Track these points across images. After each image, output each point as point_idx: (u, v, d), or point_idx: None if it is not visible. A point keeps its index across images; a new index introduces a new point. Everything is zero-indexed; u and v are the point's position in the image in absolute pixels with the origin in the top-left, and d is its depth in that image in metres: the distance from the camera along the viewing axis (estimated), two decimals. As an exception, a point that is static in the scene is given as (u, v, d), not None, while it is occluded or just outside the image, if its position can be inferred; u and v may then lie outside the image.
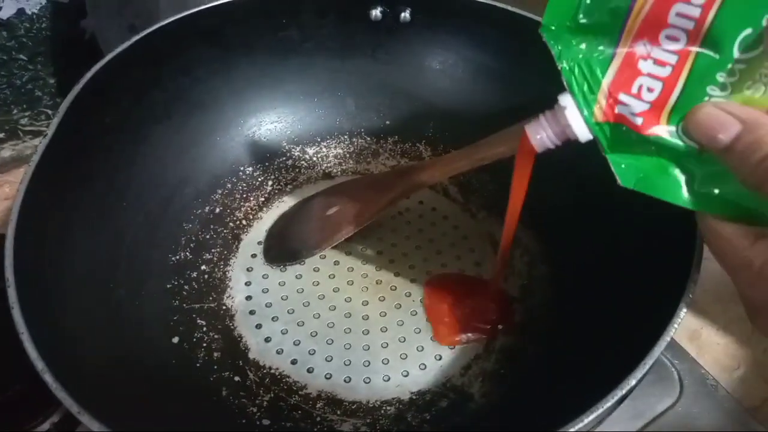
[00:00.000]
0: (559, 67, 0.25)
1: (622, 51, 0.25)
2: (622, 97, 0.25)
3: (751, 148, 0.22)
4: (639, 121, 0.24)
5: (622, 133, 0.25)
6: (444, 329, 0.40)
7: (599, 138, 0.25)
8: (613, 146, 0.25)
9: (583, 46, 0.25)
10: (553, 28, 0.25)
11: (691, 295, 0.28)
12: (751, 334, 0.43)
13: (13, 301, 0.28)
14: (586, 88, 0.25)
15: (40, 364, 0.26)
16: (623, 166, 0.25)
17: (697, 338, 0.42)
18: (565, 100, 0.26)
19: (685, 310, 0.27)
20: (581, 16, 0.25)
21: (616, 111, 0.25)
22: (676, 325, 0.27)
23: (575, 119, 0.26)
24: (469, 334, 0.40)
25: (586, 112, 0.25)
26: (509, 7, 0.43)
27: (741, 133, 0.22)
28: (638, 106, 0.24)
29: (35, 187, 0.32)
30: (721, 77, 0.23)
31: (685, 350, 0.41)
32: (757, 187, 0.22)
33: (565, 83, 0.25)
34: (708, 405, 0.38)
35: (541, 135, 0.28)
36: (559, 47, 0.25)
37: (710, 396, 0.39)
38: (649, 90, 0.24)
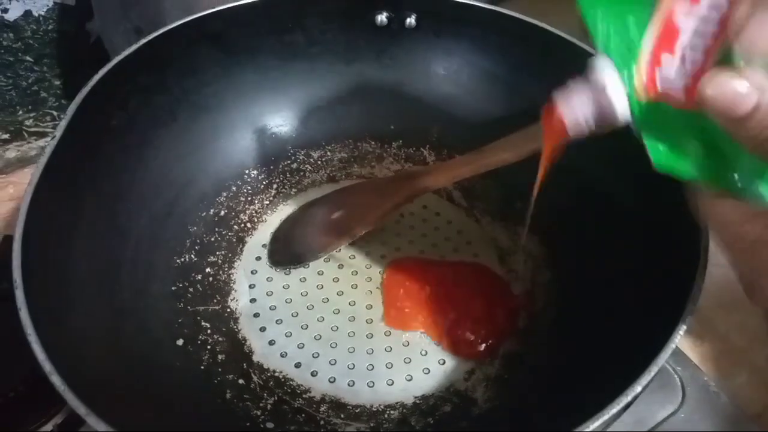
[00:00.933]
0: (593, 33, 0.23)
1: (661, 10, 0.22)
2: (665, 57, 0.22)
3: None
4: (680, 85, 0.22)
5: (660, 110, 0.23)
6: (393, 312, 0.41)
7: (635, 116, 0.23)
8: (649, 125, 0.23)
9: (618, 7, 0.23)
10: None
11: (696, 302, 0.28)
12: (754, 342, 0.43)
13: (21, 303, 0.28)
14: (624, 54, 0.23)
15: (47, 366, 0.26)
16: (660, 148, 0.23)
17: (700, 345, 0.42)
18: (602, 65, 0.23)
19: (690, 316, 0.28)
20: None
21: (657, 78, 0.23)
22: (681, 332, 0.27)
23: (616, 95, 0.23)
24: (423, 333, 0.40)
25: (626, 79, 0.23)
26: (515, 14, 0.43)
27: (759, 103, 0.20)
28: (680, 71, 0.22)
29: (43, 188, 0.32)
30: None
31: (687, 357, 0.41)
32: None
33: (600, 51, 0.23)
34: (710, 412, 0.39)
35: (578, 115, 0.25)
36: (593, 14, 0.23)
37: (712, 403, 0.39)
38: (692, 49, 0.22)
